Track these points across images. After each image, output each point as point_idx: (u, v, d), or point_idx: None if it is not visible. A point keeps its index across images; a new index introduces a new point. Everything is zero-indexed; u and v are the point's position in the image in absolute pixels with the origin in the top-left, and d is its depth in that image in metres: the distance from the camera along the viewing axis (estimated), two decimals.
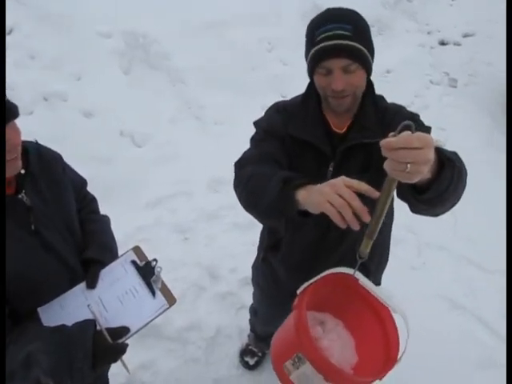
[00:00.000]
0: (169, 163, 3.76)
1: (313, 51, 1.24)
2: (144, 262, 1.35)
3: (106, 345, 1.08)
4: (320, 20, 1.25)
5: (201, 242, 3.17)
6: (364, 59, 1.23)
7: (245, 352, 2.49)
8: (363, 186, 0.94)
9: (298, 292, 1.21)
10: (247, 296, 2.68)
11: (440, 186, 0.98)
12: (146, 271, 1.32)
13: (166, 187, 3.55)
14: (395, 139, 0.82)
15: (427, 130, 1.33)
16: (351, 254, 1.49)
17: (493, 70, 5.44)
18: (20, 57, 3.62)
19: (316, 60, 1.24)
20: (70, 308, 1.21)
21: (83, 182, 1.56)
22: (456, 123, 4.68)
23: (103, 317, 1.20)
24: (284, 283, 1.70)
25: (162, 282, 1.31)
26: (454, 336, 2.74)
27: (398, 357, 1.13)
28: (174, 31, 4.63)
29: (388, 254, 1.72)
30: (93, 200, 1.59)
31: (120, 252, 1.46)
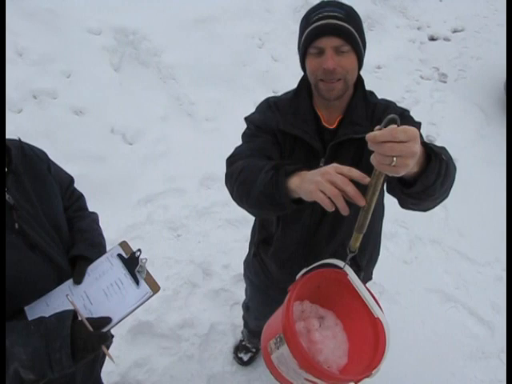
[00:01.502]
0: (160, 160, 3.74)
1: (307, 31, 1.26)
2: (129, 254, 1.35)
3: (87, 333, 1.07)
4: (315, 7, 1.27)
5: (193, 239, 3.17)
6: (355, 42, 1.24)
7: (239, 348, 2.50)
8: (354, 173, 0.93)
9: (297, 277, 1.23)
10: (241, 292, 2.68)
11: (427, 180, 0.98)
12: (131, 262, 1.33)
13: (157, 184, 3.54)
14: (380, 132, 0.82)
15: (417, 125, 1.33)
16: (342, 250, 1.51)
17: (482, 64, 5.48)
18: (8, 54, 3.57)
19: (309, 39, 1.25)
20: (55, 305, 1.20)
21: (70, 180, 1.54)
22: (447, 118, 4.71)
23: (88, 309, 1.20)
24: (275, 279, 1.71)
25: (147, 271, 1.32)
26: (446, 328, 2.77)
27: (373, 371, 1.11)
28: (164, 27, 4.60)
29: (379, 249, 1.73)
30: (80, 197, 1.57)
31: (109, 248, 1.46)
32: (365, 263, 1.61)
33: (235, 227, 3.23)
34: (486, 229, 3.42)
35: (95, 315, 1.18)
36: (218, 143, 3.79)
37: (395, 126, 0.82)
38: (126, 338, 2.42)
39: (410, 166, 0.84)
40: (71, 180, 1.53)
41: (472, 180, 3.71)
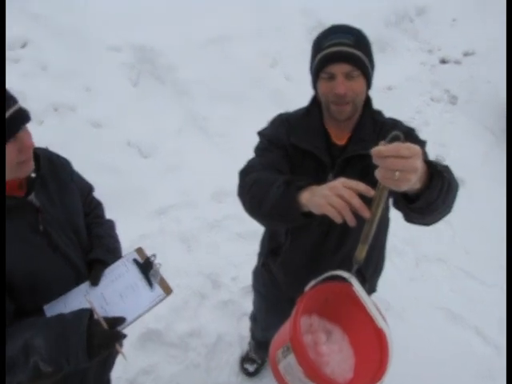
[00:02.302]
0: (174, 174, 3.84)
1: (318, 57, 1.34)
2: (144, 259, 1.44)
3: (102, 331, 1.14)
4: (326, 32, 1.36)
5: (204, 251, 3.24)
6: (364, 67, 1.32)
7: (245, 359, 2.55)
8: (360, 186, 0.99)
9: (306, 289, 1.27)
10: (248, 304, 2.73)
11: (430, 196, 1.04)
12: (146, 267, 1.41)
13: (170, 197, 3.63)
14: (385, 147, 0.88)
15: (422, 143, 1.40)
16: (348, 261, 1.55)
17: (492, 87, 5.53)
18: (32, 68, 3.74)
19: (321, 65, 1.33)
20: (73, 305, 1.27)
21: (90, 188, 1.64)
22: (456, 139, 4.77)
23: (103, 309, 1.27)
24: (283, 289, 1.77)
25: (160, 275, 1.41)
26: (452, 347, 2.78)
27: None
28: (181, 45, 4.75)
29: (383, 262, 1.79)
30: (99, 205, 1.67)
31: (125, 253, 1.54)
32: (369, 274, 1.67)
33: (245, 241, 3.29)
34: (494, 249, 3.44)
35: (110, 315, 1.25)
36: (230, 158, 3.88)
37: (400, 142, 0.88)
38: (135, 345, 2.48)
39: (411, 181, 0.90)
40: (91, 188, 1.63)
41: (480, 200, 3.75)
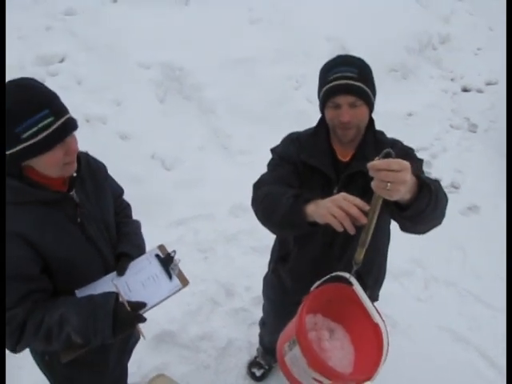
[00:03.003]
0: (194, 187, 4.01)
1: (325, 89, 1.50)
2: (165, 254, 1.61)
3: (126, 312, 1.30)
4: (331, 64, 1.53)
5: (219, 262, 3.38)
6: (367, 97, 1.49)
7: (252, 364, 2.65)
8: (357, 201, 1.17)
9: (311, 289, 1.42)
10: (259, 312, 2.83)
11: (419, 206, 1.19)
12: (167, 261, 1.59)
13: (190, 209, 3.80)
14: (378, 162, 1.05)
15: (420, 161, 1.59)
16: (351, 267, 1.69)
17: None
18: (68, 82, 4.00)
19: (327, 96, 1.50)
20: (101, 290, 1.42)
21: (121, 191, 1.83)
22: (473, 167, 4.82)
23: (127, 296, 1.43)
24: (291, 294, 1.89)
25: (179, 269, 1.58)
26: (456, 367, 2.81)
27: (372, 375, 1.27)
28: (208, 65, 4.97)
29: (385, 272, 1.91)
30: (127, 206, 1.85)
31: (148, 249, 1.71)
32: (371, 283, 1.80)
33: (259, 254, 3.40)
34: (504, 274, 3.47)
35: (133, 300, 1.41)
36: (249, 175, 3.95)
37: (391, 158, 1.05)
38: (149, 345, 2.61)
39: (401, 191, 1.07)
40: (122, 191, 1.82)
41: (492, 227, 3.79)
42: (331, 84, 1.47)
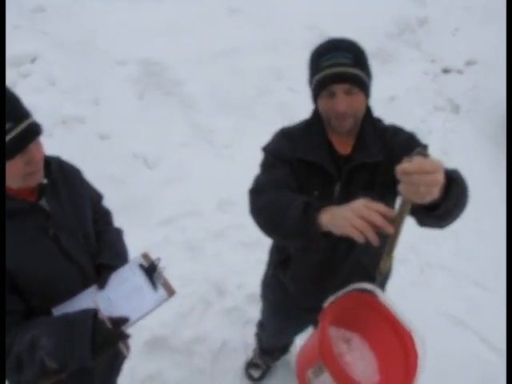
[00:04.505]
0: (179, 184, 3.90)
1: (318, 77, 1.37)
2: (149, 263, 1.51)
3: (106, 329, 1.18)
4: (323, 49, 1.39)
5: (209, 260, 3.29)
6: (363, 84, 1.37)
7: (250, 365, 2.58)
8: (381, 208, 1.04)
9: (324, 305, 1.30)
10: (253, 311, 2.78)
11: (448, 203, 1.09)
12: (150, 270, 1.48)
13: (175, 207, 3.70)
14: (409, 165, 0.92)
15: (425, 147, 1.46)
16: (358, 267, 1.61)
17: (494, 96, 5.56)
18: (42, 83, 3.84)
19: (322, 84, 1.37)
20: (80, 307, 1.31)
21: (99, 196, 1.71)
22: (459, 148, 4.80)
23: (109, 311, 1.32)
24: (295, 298, 1.80)
25: (164, 277, 1.48)
26: (456, 353, 2.79)
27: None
28: (187, 59, 4.84)
29: (392, 266, 1.82)
30: (108, 213, 1.74)
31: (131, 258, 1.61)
32: (379, 280, 1.71)
33: (249, 249, 3.33)
34: (498, 255, 3.46)
35: (115, 315, 1.30)
36: (235, 169, 3.95)
37: (422, 157, 0.93)
38: (141, 351, 2.53)
39: (435, 193, 0.96)
40: (101, 196, 1.70)
41: (482, 207, 3.76)
42: (324, 72, 1.35)
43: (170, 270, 3.09)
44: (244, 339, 2.74)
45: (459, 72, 6.25)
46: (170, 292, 1.44)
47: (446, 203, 1.08)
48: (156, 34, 4.93)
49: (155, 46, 4.80)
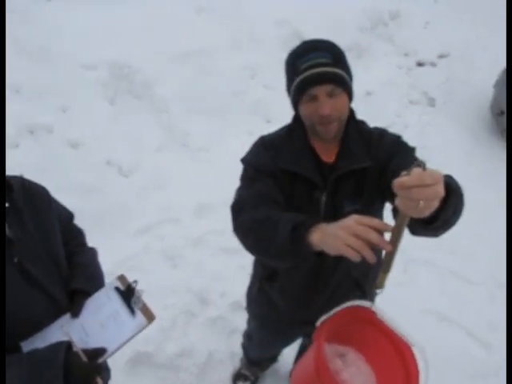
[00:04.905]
0: (156, 191, 3.79)
1: (298, 80, 1.29)
2: (126, 286, 1.39)
3: (81, 364, 1.09)
4: (300, 51, 1.31)
5: (189, 268, 3.18)
6: (346, 84, 1.30)
7: (237, 376, 2.49)
8: (376, 223, 0.96)
9: (317, 324, 1.21)
10: (238, 319, 2.69)
11: (446, 214, 1.02)
12: (128, 294, 1.37)
13: (153, 215, 3.58)
14: (408, 178, 0.84)
15: (412, 150, 1.40)
16: (347, 279, 1.55)
17: (468, 88, 5.61)
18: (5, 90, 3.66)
19: (302, 88, 1.29)
20: (52, 339, 1.21)
21: (70, 216, 1.58)
22: (436, 141, 4.80)
23: (84, 341, 1.23)
24: (283, 313, 1.71)
25: (143, 302, 1.36)
26: (444, 349, 2.76)
27: None
28: (157, 60, 4.71)
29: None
30: (80, 233, 1.61)
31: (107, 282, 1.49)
32: (368, 288, 1.63)
33: (230, 255, 3.24)
34: (479, 248, 3.46)
35: (91, 347, 1.21)
36: (213, 173, 3.86)
37: (420, 169, 0.84)
38: (124, 370, 2.41)
39: (435, 207, 0.88)
40: (71, 216, 1.58)
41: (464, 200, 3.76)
42: (304, 75, 1.26)
43: (149, 282, 3.01)
44: (230, 349, 2.65)
45: (432, 65, 6.27)
46: (150, 317, 1.34)
47: (443, 214, 1.01)
48: (123, 36, 4.78)
49: (123, 48, 4.65)
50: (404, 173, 0.86)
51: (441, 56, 6.41)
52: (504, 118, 4.51)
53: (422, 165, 0.85)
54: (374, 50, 6.24)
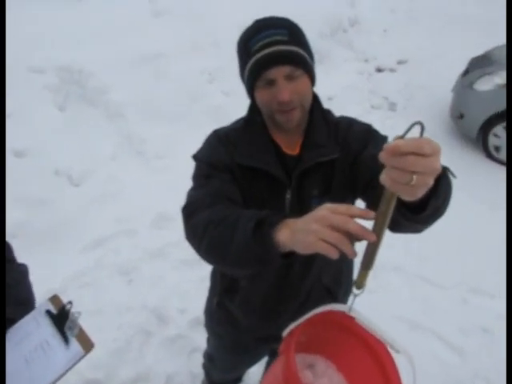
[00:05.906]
0: (109, 201, 3.58)
1: (250, 63, 1.11)
2: (59, 309, 1.17)
3: None
4: (251, 31, 1.14)
5: (146, 283, 2.97)
6: (306, 63, 1.13)
7: None
8: (354, 210, 0.78)
9: (284, 334, 1.04)
10: (198, 338, 2.51)
11: (437, 201, 0.85)
12: (60, 318, 1.15)
13: (106, 227, 3.36)
14: (404, 142, 0.65)
15: (385, 139, 1.25)
16: (319, 285, 1.39)
17: (427, 93, 5.69)
18: None
19: (256, 72, 1.11)
20: None
21: None
22: None
23: None
24: (244, 328, 1.53)
25: (80, 326, 1.13)
26: (417, 357, 2.65)
27: None
28: (111, 65, 4.52)
29: (352, 280, 1.61)
30: (7, 247, 1.39)
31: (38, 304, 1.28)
32: (341, 295, 1.49)
33: (190, 267, 3.05)
34: (448, 252, 3.41)
35: None
36: (170, 181, 3.67)
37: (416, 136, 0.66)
38: None
39: (429, 185, 0.70)
40: None
41: None
42: (257, 55, 1.09)
43: (103, 298, 2.78)
44: (190, 370, 2.43)
45: (392, 71, 6.37)
46: (87, 345, 1.11)
47: (435, 200, 0.84)
48: (75, 39, 4.57)
49: (75, 52, 4.44)
50: (397, 136, 0.68)
51: (399, 62, 6.52)
52: (463, 122, 4.55)
53: (423, 129, 0.66)
54: (334, 56, 6.26)
